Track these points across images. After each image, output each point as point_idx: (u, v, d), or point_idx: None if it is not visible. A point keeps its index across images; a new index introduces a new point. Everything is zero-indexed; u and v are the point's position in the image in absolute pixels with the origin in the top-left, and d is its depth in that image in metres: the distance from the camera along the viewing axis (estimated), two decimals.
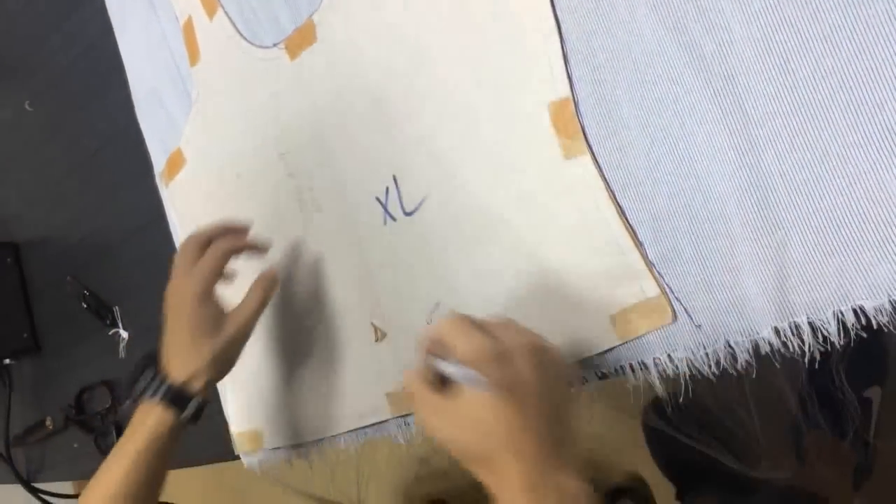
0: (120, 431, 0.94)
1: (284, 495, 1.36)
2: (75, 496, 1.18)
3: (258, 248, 0.69)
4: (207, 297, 0.62)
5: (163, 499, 0.68)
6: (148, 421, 0.61)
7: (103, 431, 0.96)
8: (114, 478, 0.60)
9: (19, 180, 1.07)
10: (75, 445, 1.01)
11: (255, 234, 0.69)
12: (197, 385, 0.62)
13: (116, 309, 0.92)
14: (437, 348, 0.47)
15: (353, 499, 1.41)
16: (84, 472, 1.04)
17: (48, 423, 1.02)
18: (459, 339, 0.44)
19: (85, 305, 0.95)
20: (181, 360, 0.61)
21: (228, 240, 0.65)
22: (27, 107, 1.01)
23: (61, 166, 0.98)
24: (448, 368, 0.45)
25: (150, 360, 0.66)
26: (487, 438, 0.43)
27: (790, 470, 0.82)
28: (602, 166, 0.51)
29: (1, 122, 1.06)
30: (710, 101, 0.46)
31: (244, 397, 0.78)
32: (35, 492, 1.09)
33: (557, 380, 0.46)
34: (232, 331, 0.62)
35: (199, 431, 0.82)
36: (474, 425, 0.43)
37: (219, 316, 0.63)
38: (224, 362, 0.64)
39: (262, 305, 0.65)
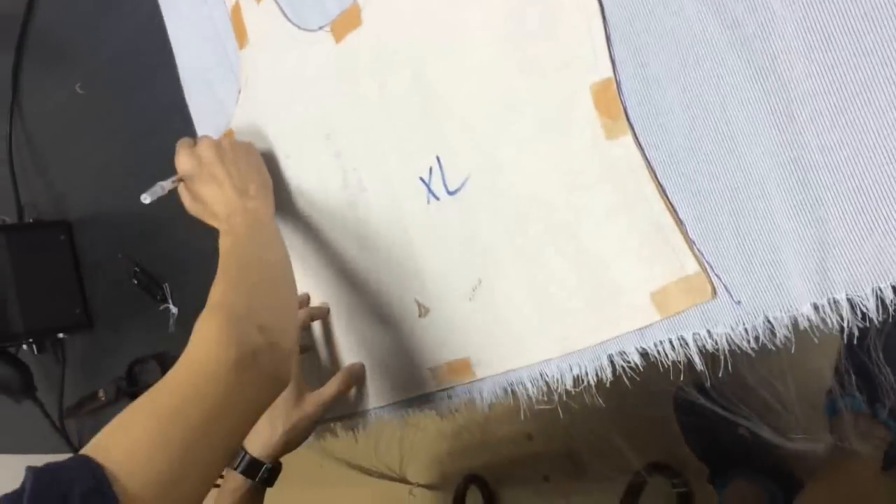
0: None
1: (324, 465, 1.39)
2: None
3: (322, 316, 0.77)
4: (292, 398, 0.70)
5: None
6: (228, 486, 0.70)
7: None
8: None
9: (71, 160, 1.10)
10: None
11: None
12: (269, 457, 0.70)
13: (166, 285, 0.95)
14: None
15: (396, 471, 1.44)
16: None
17: (101, 394, 1.06)
18: (176, 158, 0.73)
19: (136, 282, 0.98)
20: (258, 435, 0.70)
21: (300, 320, 0.72)
22: (78, 89, 1.04)
23: (113, 147, 1.02)
24: (166, 187, 0.73)
25: None
26: (200, 204, 0.71)
27: (825, 444, 0.83)
28: (644, 146, 0.52)
29: (53, 104, 1.10)
30: (753, 81, 0.47)
31: None
32: None
33: (232, 151, 0.71)
34: (309, 411, 0.70)
35: None
36: (194, 200, 0.72)
37: (297, 395, 0.70)
38: (296, 437, 0.70)
39: (342, 394, 0.72)
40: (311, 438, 0.73)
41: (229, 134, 0.83)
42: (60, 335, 1.10)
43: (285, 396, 0.69)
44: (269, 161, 0.79)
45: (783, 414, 0.79)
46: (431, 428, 1.62)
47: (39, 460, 1.31)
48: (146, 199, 0.72)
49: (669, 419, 1.28)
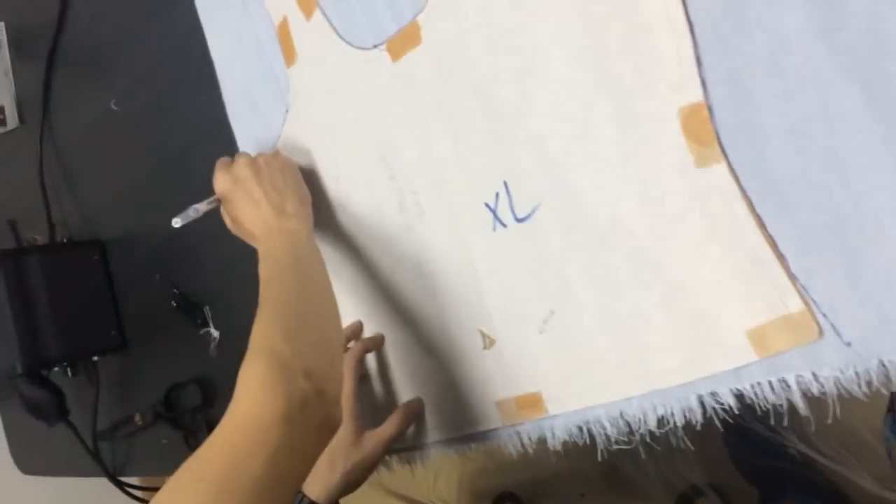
0: (212, 428, 0.94)
1: (384, 499, 1.36)
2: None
3: (377, 347, 0.74)
4: (346, 418, 0.67)
5: None
6: None
7: (194, 429, 0.97)
8: None
9: (104, 179, 1.08)
10: (164, 441, 1.03)
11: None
12: (328, 500, 0.66)
13: (207, 308, 0.93)
14: None
15: None
16: (173, 468, 1.06)
17: (137, 418, 1.04)
18: (214, 178, 0.72)
19: (174, 304, 0.95)
20: (317, 477, 0.66)
21: (355, 353, 0.72)
22: (113, 106, 1.02)
23: (148, 165, 0.99)
24: (201, 209, 0.72)
25: None
26: (238, 224, 0.70)
27: None
28: (738, 174, 0.49)
29: (86, 121, 1.07)
30: (865, 107, 0.44)
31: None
32: (121, 485, 1.11)
33: (268, 167, 0.69)
34: (367, 451, 0.67)
35: None
36: (233, 221, 0.71)
37: (356, 434, 0.67)
38: (356, 479, 0.67)
39: (401, 432, 0.69)
40: None
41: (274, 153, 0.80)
42: (94, 358, 1.07)
43: (343, 436, 0.66)
44: (313, 177, 0.76)
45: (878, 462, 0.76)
46: None
47: (72, 483, 1.29)
48: (177, 222, 0.71)
49: (716, 439, 1.25)
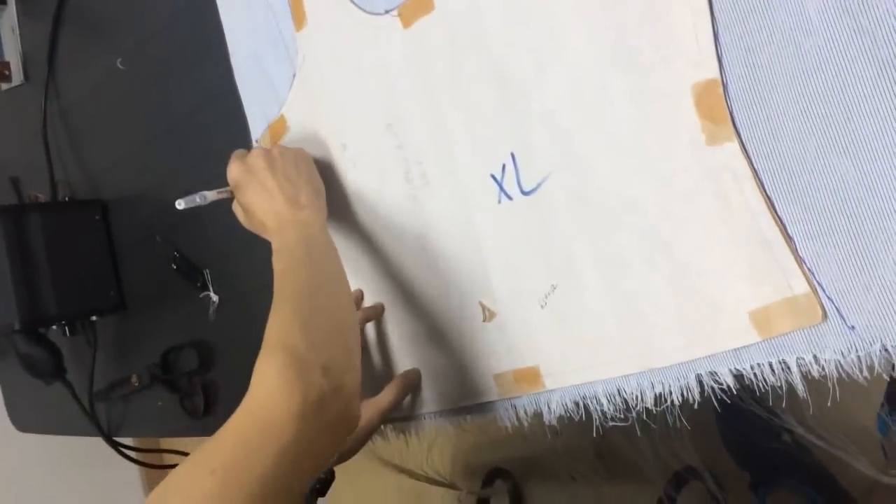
0: (208, 393, 0.95)
1: (373, 468, 1.37)
2: (157, 451, 1.21)
3: (377, 316, 0.74)
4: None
5: None
6: None
7: (190, 392, 0.97)
8: None
9: (108, 138, 1.07)
10: (160, 403, 1.03)
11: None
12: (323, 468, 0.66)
13: (207, 272, 0.92)
14: None
15: (446, 477, 1.42)
16: (167, 430, 1.06)
17: (134, 379, 1.04)
18: (228, 171, 0.70)
19: (174, 267, 0.95)
20: None
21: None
22: (119, 65, 1.01)
23: (153, 127, 0.98)
24: (210, 197, 0.72)
25: None
26: (251, 216, 0.69)
27: None
28: (751, 154, 0.49)
29: (92, 79, 1.06)
30: (885, 92, 0.43)
31: None
32: (116, 445, 1.11)
33: (282, 158, 0.69)
34: (363, 420, 0.65)
35: None
36: (246, 212, 0.70)
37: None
38: (351, 447, 0.67)
39: (398, 403, 0.69)
40: None
41: (280, 120, 0.79)
42: (93, 318, 1.07)
43: None
44: (323, 152, 0.75)
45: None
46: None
47: (68, 442, 1.30)
48: (181, 204, 0.70)
49: (707, 423, 1.25)
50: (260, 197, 0.67)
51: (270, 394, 0.50)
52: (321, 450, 0.52)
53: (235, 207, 0.72)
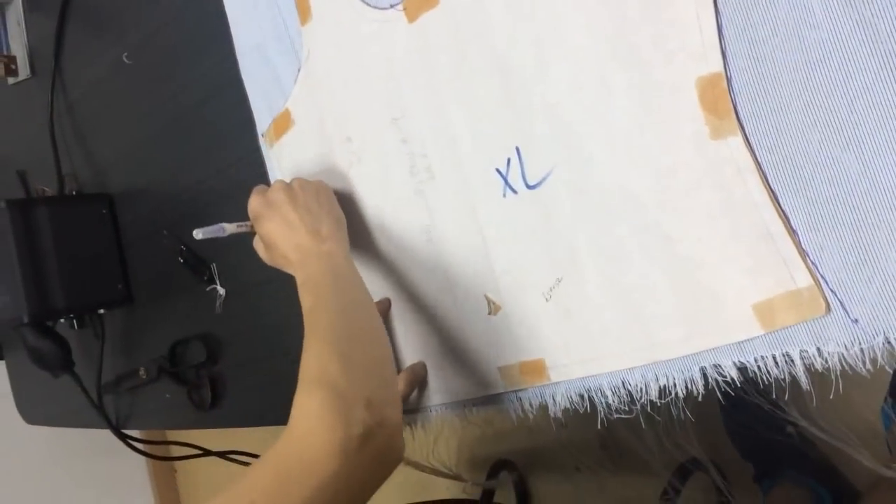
0: (215, 385, 0.96)
1: None
2: (164, 443, 1.22)
3: (383, 311, 0.75)
4: None
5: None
6: None
7: (197, 385, 0.98)
8: None
9: (114, 132, 1.07)
10: (167, 396, 1.04)
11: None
12: None
13: (214, 266, 0.93)
14: None
15: (451, 469, 1.43)
16: (175, 422, 1.07)
17: (141, 372, 1.04)
18: (249, 204, 0.70)
19: (181, 260, 0.96)
20: None
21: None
22: (125, 59, 1.01)
23: (159, 120, 0.99)
24: (229, 229, 0.73)
25: None
26: (273, 249, 0.68)
27: None
28: (754, 147, 0.49)
29: (97, 73, 1.07)
30: (887, 84, 0.43)
31: None
32: (124, 437, 1.12)
33: (303, 191, 0.69)
34: None
35: (293, 391, 0.84)
36: (268, 246, 0.69)
37: None
38: None
39: (405, 397, 0.70)
40: None
41: (285, 114, 0.80)
42: (101, 311, 1.08)
43: None
44: (328, 146, 0.76)
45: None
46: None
47: (76, 434, 1.31)
48: (198, 234, 0.71)
49: (712, 415, 1.26)
50: (281, 230, 0.67)
51: (312, 428, 0.50)
52: (363, 485, 0.52)
53: (257, 243, 0.72)
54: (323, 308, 0.60)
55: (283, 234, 0.67)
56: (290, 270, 0.67)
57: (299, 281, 0.64)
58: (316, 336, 0.57)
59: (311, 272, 0.63)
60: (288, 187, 0.69)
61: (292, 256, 0.66)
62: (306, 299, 0.61)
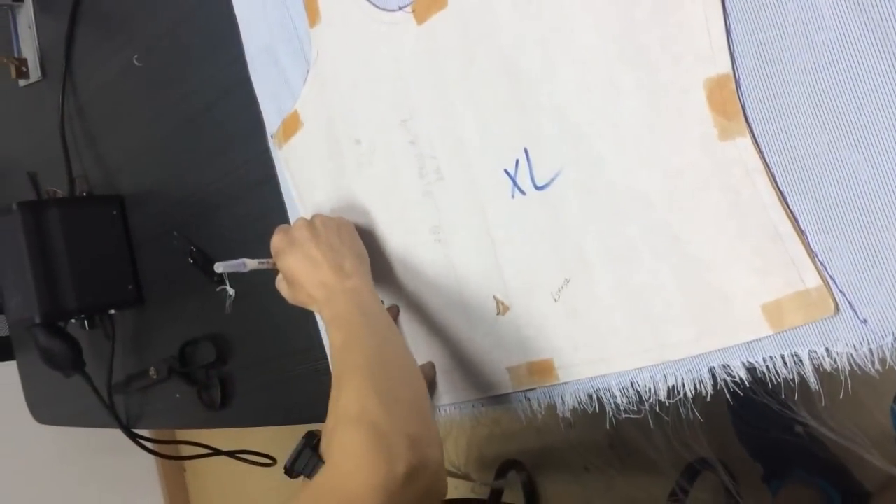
0: (224, 385, 0.96)
1: None
2: (174, 442, 1.23)
3: (393, 316, 0.74)
4: None
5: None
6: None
7: (207, 385, 0.98)
8: None
9: (125, 134, 1.08)
10: (177, 396, 1.04)
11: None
12: None
13: None
14: None
15: (460, 468, 1.44)
16: (185, 422, 1.08)
17: (151, 372, 1.05)
18: (271, 242, 0.71)
19: (191, 261, 0.96)
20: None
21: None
22: (135, 61, 1.02)
23: (169, 122, 0.99)
24: (250, 266, 0.72)
25: (309, 440, 0.72)
26: (297, 287, 0.68)
27: None
28: (763, 149, 0.49)
29: (108, 75, 1.08)
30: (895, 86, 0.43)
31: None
32: (134, 437, 1.13)
33: (325, 227, 0.69)
34: None
35: (310, 392, 0.84)
36: (290, 284, 0.69)
37: None
38: None
39: None
40: None
41: (294, 115, 0.80)
42: (111, 311, 1.09)
43: None
44: (337, 147, 0.76)
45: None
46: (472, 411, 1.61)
47: (87, 433, 1.32)
48: (219, 268, 0.71)
49: (720, 415, 1.26)
50: (304, 267, 0.67)
51: (356, 466, 0.50)
52: None
53: (280, 283, 0.72)
54: (356, 345, 0.59)
55: (306, 271, 0.66)
56: (313, 308, 0.67)
57: (326, 318, 0.64)
58: (352, 373, 0.57)
59: (338, 310, 0.63)
60: (310, 224, 0.69)
61: (317, 294, 0.65)
62: (336, 336, 0.61)
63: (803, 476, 1.11)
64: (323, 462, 0.64)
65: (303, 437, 0.63)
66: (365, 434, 0.51)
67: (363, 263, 0.69)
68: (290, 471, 0.65)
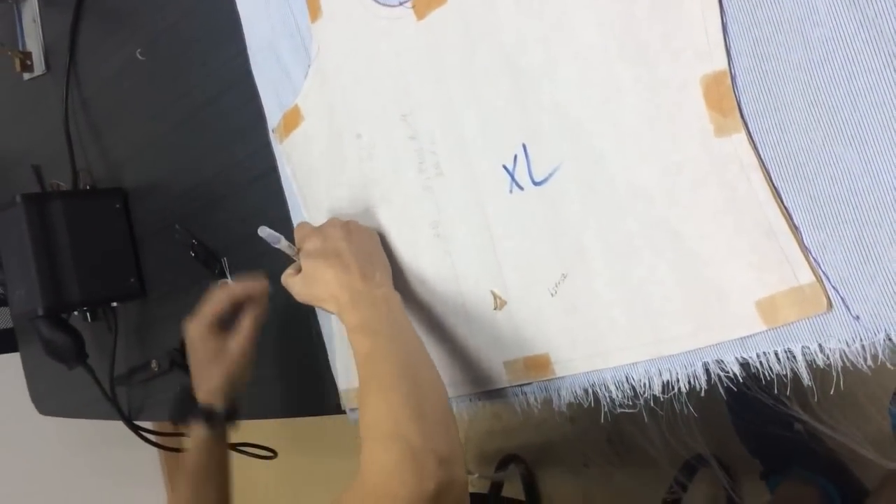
0: None
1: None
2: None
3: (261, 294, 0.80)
4: (206, 336, 0.77)
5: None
6: (196, 439, 0.78)
7: None
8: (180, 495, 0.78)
9: (128, 128, 1.09)
10: (179, 388, 1.05)
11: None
12: (219, 402, 0.78)
13: (224, 260, 0.94)
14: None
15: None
16: None
17: (154, 365, 1.06)
18: (297, 233, 0.71)
19: (193, 254, 0.97)
20: (202, 387, 0.78)
21: (231, 289, 0.79)
22: (138, 55, 1.02)
23: (172, 116, 1.00)
24: (281, 245, 0.70)
25: (185, 392, 0.82)
26: (321, 285, 0.65)
27: None
28: (758, 144, 0.49)
29: (112, 69, 1.08)
30: (889, 83, 0.44)
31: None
32: (136, 429, 1.14)
33: (358, 234, 0.68)
34: (234, 356, 0.77)
35: (311, 385, 0.85)
36: (312, 282, 0.66)
37: (221, 347, 0.78)
38: (236, 378, 0.78)
39: (254, 331, 0.78)
40: None
41: (295, 110, 0.80)
42: (114, 304, 1.10)
43: (210, 352, 0.77)
44: (338, 142, 0.76)
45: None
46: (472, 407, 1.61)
47: (89, 425, 1.33)
48: (263, 231, 0.69)
49: (719, 412, 1.26)
50: (334, 266, 0.65)
51: (386, 482, 0.51)
52: None
53: (290, 277, 0.69)
54: (384, 356, 0.59)
55: (334, 271, 0.64)
56: (331, 308, 0.65)
57: (351, 324, 0.62)
58: (381, 385, 0.57)
59: (365, 316, 0.62)
60: (345, 226, 0.68)
61: (342, 296, 0.63)
62: (362, 343, 0.60)
63: (802, 473, 1.12)
64: (196, 403, 0.77)
65: (178, 390, 0.79)
66: (398, 451, 0.52)
67: (390, 277, 0.69)
68: (176, 423, 0.80)
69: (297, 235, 0.71)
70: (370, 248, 0.69)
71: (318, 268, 0.66)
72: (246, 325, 0.78)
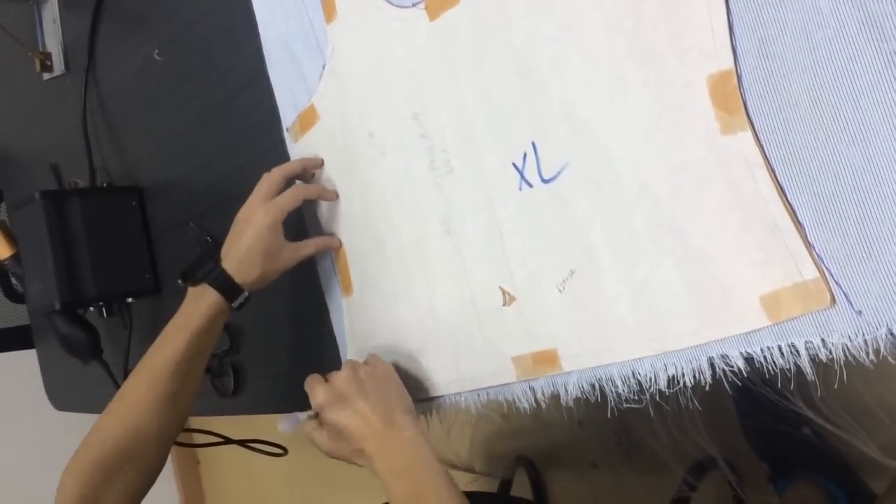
0: (237, 373, 0.98)
1: None
2: (187, 430, 1.25)
3: (330, 198, 0.81)
4: (275, 228, 0.76)
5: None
6: (202, 304, 0.76)
7: (220, 372, 1.00)
8: (173, 349, 0.75)
9: (145, 127, 1.10)
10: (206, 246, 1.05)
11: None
12: (245, 285, 0.76)
13: None
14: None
15: (465, 460, 1.45)
16: (198, 409, 1.10)
17: None
18: (309, 390, 0.70)
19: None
20: (238, 264, 0.76)
21: (307, 189, 0.79)
22: (156, 56, 1.04)
23: (188, 115, 1.02)
24: (302, 419, 0.73)
25: (212, 252, 0.79)
26: (348, 441, 0.67)
27: None
28: (763, 142, 0.50)
29: (130, 69, 1.10)
30: (891, 83, 0.44)
31: (366, 351, 0.80)
32: None
33: (372, 381, 0.68)
34: (284, 264, 0.78)
35: None
36: (335, 437, 0.68)
37: (280, 247, 0.77)
38: (265, 280, 0.78)
39: (315, 253, 0.80)
40: None
41: (310, 109, 0.82)
42: (129, 300, 1.11)
43: (270, 247, 0.76)
44: (352, 140, 0.78)
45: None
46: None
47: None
48: (285, 425, 0.74)
49: (727, 414, 1.26)
50: (355, 422, 0.66)
51: None
52: None
53: (315, 434, 0.70)
54: (425, 499, 0.62)
55: (356, 427, 0.66)
56: (360, 463, 0.67)
57: (382, 471, 0.64)
58: None
59: (394, 463, 0.64)
60: (355, 377, 0.69)
61: (368, 448, 0.65)
62: (398, 487, 0.63)
63: (809, 476, 1.12)
64: (224, 271, 0.76)
65: (206, 249, 0.77)
66: None
67: (412, 413, 0.69)
68: (191, 281, 0.79)
69: (309, 393, 0.70)
70: (386, 389, 0.69)
71: (338, 424, 0.67)
72: (315, 244, 0.80)
